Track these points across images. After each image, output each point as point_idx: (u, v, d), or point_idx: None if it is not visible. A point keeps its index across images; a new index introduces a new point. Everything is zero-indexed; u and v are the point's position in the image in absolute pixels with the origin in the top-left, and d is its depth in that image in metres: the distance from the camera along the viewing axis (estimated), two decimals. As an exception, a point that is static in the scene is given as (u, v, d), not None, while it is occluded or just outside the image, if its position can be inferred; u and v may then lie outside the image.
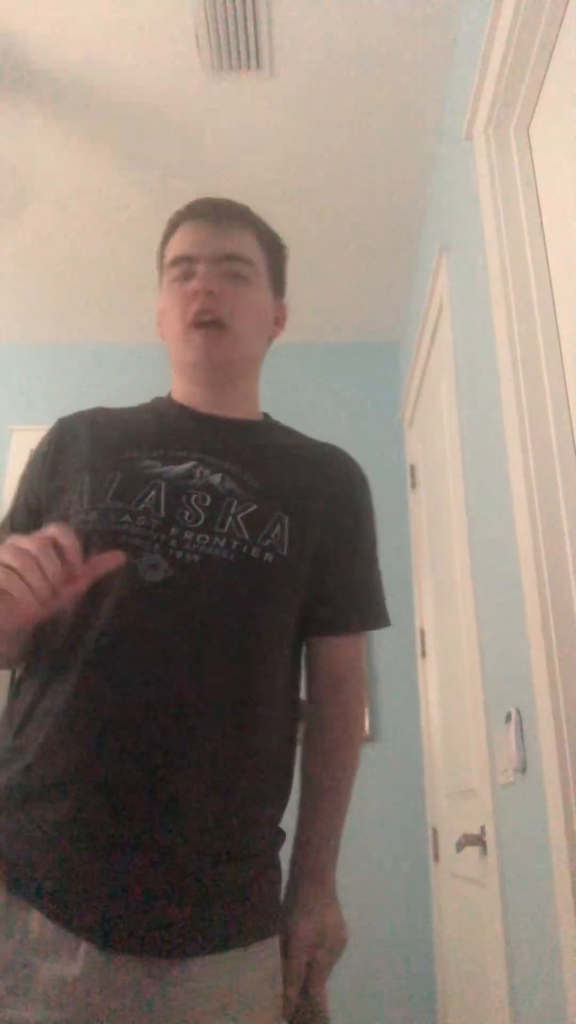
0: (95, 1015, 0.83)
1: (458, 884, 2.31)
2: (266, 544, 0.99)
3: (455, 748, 2.33)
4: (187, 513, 0.99)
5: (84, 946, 0.85)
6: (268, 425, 1.20)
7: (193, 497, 1.00)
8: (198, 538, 0.97)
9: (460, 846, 1.95)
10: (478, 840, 1.92)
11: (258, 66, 2.27)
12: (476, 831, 1.95)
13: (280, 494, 1.04)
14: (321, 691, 1.09)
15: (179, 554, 0.96)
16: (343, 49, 2.23)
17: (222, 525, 0.98)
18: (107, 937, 0.85)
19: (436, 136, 2.49)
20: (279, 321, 1.23)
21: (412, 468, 3.09)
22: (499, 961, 1.75)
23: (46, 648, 0.97)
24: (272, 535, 1.00)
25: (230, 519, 0.99)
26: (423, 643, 2.87)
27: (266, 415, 1.22)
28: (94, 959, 0.84)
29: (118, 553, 0.89)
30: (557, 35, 1.53)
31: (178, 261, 1.12)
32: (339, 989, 2.79)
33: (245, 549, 0.98)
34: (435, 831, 2.66)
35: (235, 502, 1.01)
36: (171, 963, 0.86)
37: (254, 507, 1.01)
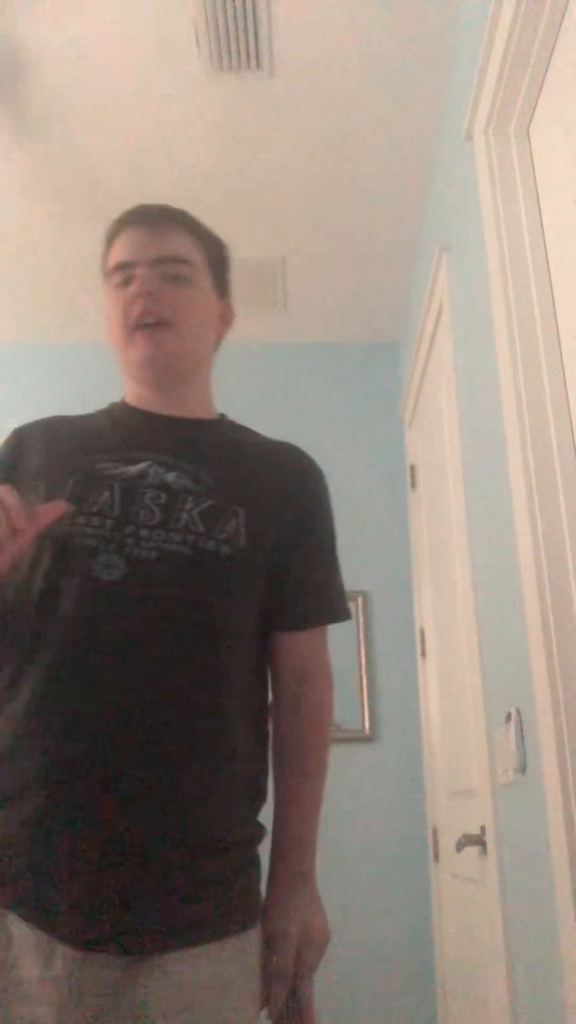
0: (78, 1015, 0.83)
1: (458, 884, 2.31)
2: (222, 537, 1.00)
3: (455, 748, 2.33)
4: (142, 512, 1.00)
5: (61, 947, 0.85)
6: (223, 423, 1.21)
7: (148, 496, 1.01)
8: (154, 535, 0.98)
9: (460, 846, 1.95)
10: (478, 840, 1.92)
11: (258, 66, 2.27)
12: (476, 831, 1.95)
13: (235, 489, 1.05)
14: (286, 688, 1.09)
15: (135, 552, 0.97)
16: (343, 49, 2.23)
17: (177, 521, 0.99)
18: (82, 937, 0.85)
19: (436, 136, 2.49)
20: (225, 319, 1.22)
21: (412, 468, 3.09)
22: (499, 961, 1.75)
23: (7, 652, 0.98)
24: (228, 528, 1.01)
25: (185, 515, 1.00)
26: (423, 643, 2.87)
27: (222, 415, 1.23)
28: (71, 959, 0.85)
29: (61, 503, 0.91)
30: (557, 35, 1.53)
31: (118, 267, 1.14)
32: (340, 989, 2.80)
33: (201, 543, 0.99)
34: (435, 831, 2.66)
35: (190, 498, 1.02)
36: (148, 959, 0.86)
37: (209, 502, 1.02)
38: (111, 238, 1.17)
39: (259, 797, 1.03)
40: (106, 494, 1.01)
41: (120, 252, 1.14)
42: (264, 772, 1.05)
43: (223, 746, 0.96)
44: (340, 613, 1.16)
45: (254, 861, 1.00)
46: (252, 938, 0.94)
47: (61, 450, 1.09)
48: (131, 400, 1.19)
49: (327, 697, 1.13)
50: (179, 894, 0.89)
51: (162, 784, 0.90)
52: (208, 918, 0.90)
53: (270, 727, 1.09)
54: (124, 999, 0.84)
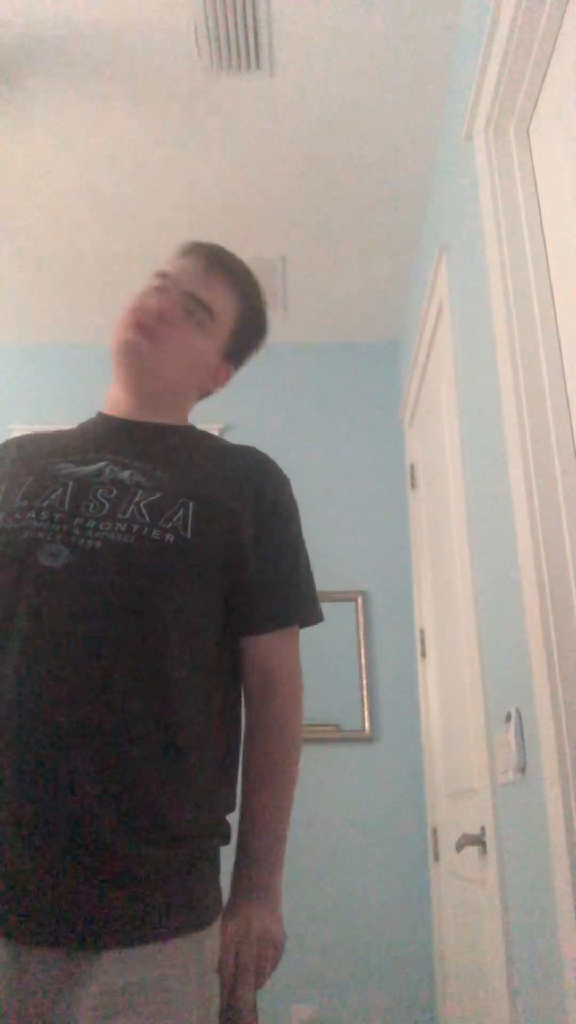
0: (13, 1012, 0.83)
1: (458, 884, 2.31)
2: (168, 527, 1.01)
3: (455, 748, 2.33)
4: (91, 505, 1.02)
5: (0, 940, 0.85)
6: (188, 429, 1.23)
7: (100, 491, 1.04)
8: (101, 526, 1.00)
9: (460, 846, 1.95)
10: (478, 840, 1.92)
11: (258, 66, 2.27)
12: (476, 831, 1.95)
13: (187, 484, 1.07)
14: (251, 696, 1.09)
15: (81, 541, 0.98)
16: (343, 49, 2.23)
17: (124, 512, 1.01)
18: (20, 929, 0.85)
19: (436, 136, 2.49)
20: (218, 379, 1.27)
21: (412, 468, 3.09)
22: (499, 961, 1.75)
23: None
24: (175, 518, 1.02)
25: (132, 507, 1.02)
26: (423, 643, 2.87)
27: (191, 425, 1.26)
28: (9, 953, 0.84)
29: None
30: (557, 35, 1.53)
31: (161, 275, 1.21)
32: (340, 988, 2.80)
33: (145, 532, 1.00)
34: (435, 831, 2.66)
35: (140, 492, 1.04)
36: (89, 956, 0.85)
37: (158, 495, 1.04)
38: (180, 252, 1.24)
39: (217, 792, 1.01)
40: (59, 490, 1.04)
41: (173, 264, 1.22)
42: (228, 768, 1.04)
43: (164, 733, 0.95)
44: (304, 616, 1.13)
45: (209, 858, 0.98)
46: (203, 941, 0.92)
47: (27, 456, 1.13)
48: (105, 410, 1.22)
49: (292, 706, 1.09)
50: (120, 880, 0.88)
51: (99, 768, 0.89)
52: (152, 916, 0.88)
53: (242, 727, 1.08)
54: (63, 997, 0.83)
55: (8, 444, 1.20)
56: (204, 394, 1.29)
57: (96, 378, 3.37)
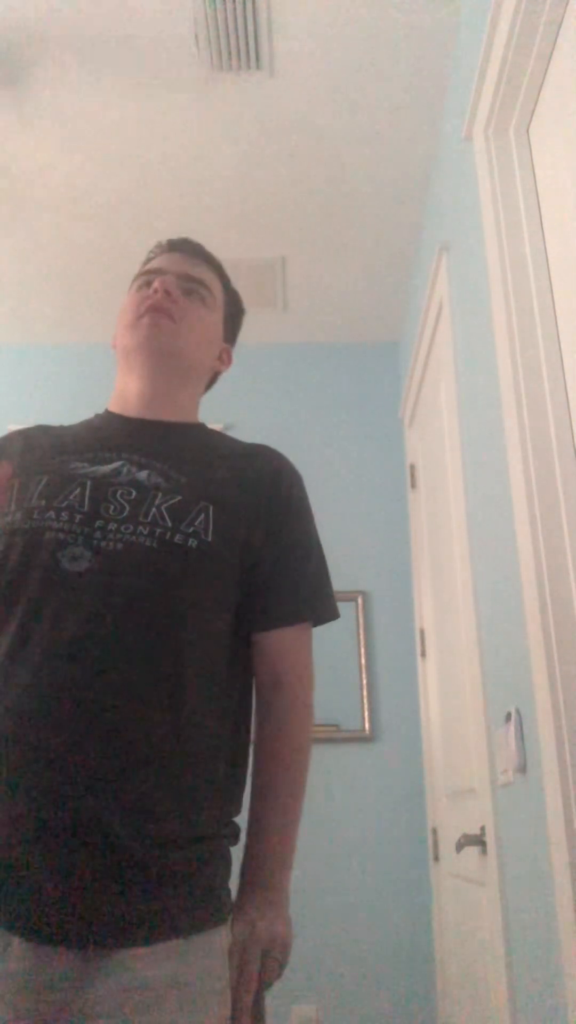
0: (32, 1011, 0.82)
1: (458, 884, 2.31)
2: (189, 531, 1.01)
3: (455, 748, 2.33)
4: (111, 507, 1.02)
5: (17, 940, 0.84)
6: (200, 427, 1.23)
7: (119, 492, 1.03)
8: (122, 528, 1.00)
9: (460, 846, 1.95)
10: (478, 840, 1.92)
11: (258, 66, 2.27)
12: (476, 831, 1.95)
13: (205, 486, 1.07)
14: (260, 694, 1.08)
15: (103, 544, 0.98)
16: (343, 49, 2.23)
17: (146, 516, 1.01)
18: (38, 929, 0.84)
19: (436, 136, 2.49)
20: (223, 360, 1.31)
21: (412, 468, 3.09)
22: (499, 961, 1.75)
23: None
24: (196, 523, 1.02)
25: (154, 509, 1.02)
26: (423, 643, 2.87)
27: (201, 423, 1.26)
28: (28, 953, 0.84)
29: (4, 464, 0.94)
30: (556, 36, 1.53)
31: (147, 273, 1.24)
32: (339, 989, 2.79)
33: (168, 536, 1.00)
34: (435, 831, 2.66)
35: (160, 494, 1.04)
36: (108, 954, 0.85)
37: (178, 498, 1.04)
38: (149, 259, 1.29)
39: (233, 792, 1.02)
40: (77, 490, 1.03)
41: (155, 264, 1.26)
42: (241, 769, 1.05)
43: (189, 734, 0.95)
44: (317, 612, 1.12)
45: (223, 857, 0.98)
46: (220, 936, 0.92)
47: (36, 453, 1.12)
48: (112, 407, 1.22)
49: (301, 703, 1.07)
50: (141, 883, 0.88)
51: (120, 772, 0.90)
52: (170, 913, 0.88)
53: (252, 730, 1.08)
54: (82, 996, 0.83)
55: (12, 436, 1.19)
56: (213, 379, 1.31)
57: (96, 378, 3.37)
